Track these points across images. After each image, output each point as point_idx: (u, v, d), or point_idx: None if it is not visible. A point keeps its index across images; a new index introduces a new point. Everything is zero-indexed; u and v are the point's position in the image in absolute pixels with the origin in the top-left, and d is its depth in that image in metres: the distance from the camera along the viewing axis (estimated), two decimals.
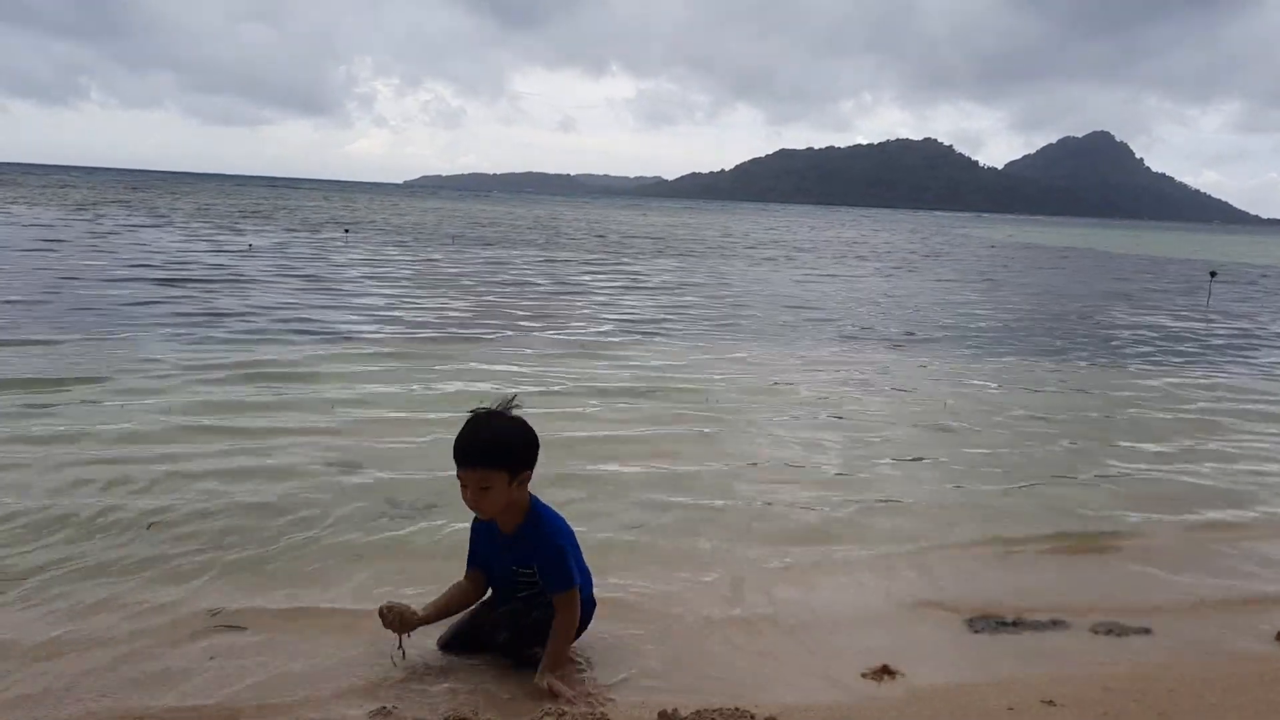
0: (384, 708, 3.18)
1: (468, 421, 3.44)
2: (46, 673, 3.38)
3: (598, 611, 3.75)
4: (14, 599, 3.99)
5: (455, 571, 3.77)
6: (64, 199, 51.24)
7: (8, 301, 12.62)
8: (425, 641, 3.64)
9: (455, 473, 3.41)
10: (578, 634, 3.60)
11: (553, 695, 3.29)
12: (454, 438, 3.41)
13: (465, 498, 3.43)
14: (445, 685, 3.40)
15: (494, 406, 3.48)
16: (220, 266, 19.18)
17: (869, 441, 7.38)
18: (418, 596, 3.75)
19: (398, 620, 3.44)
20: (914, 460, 6.89)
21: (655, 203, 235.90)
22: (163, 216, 38.74)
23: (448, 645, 3.65)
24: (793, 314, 16.13)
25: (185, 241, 25.95)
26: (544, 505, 3.58)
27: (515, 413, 3.49)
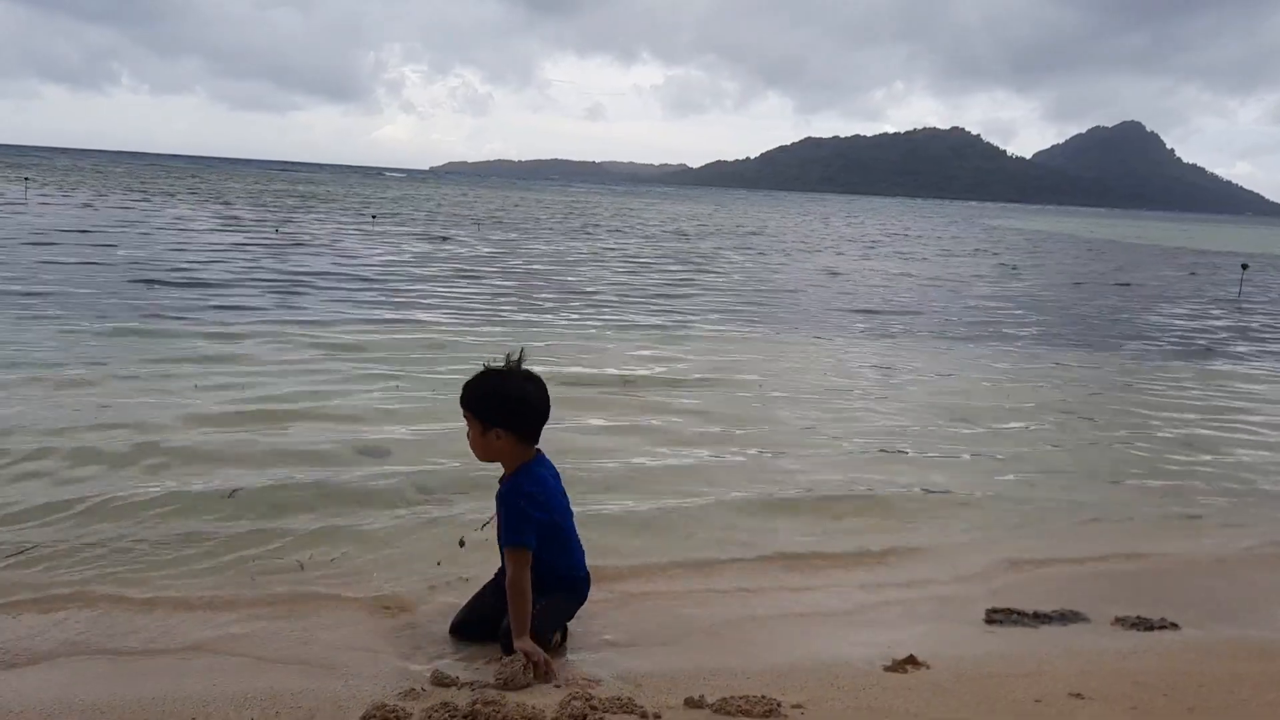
0: (413, 689, 3.20)
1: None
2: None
3: (623, 599, 3.78)
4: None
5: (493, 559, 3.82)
6: (98, 185, 51.67)
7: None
8: (439, 628, 3.71)
9: None
10: (576, 607, 3.70)
11: (528, 660, 3.32)
12: None
13: None
14: (470, 671, 3.42)
15: (512, 360, 3.60)
16: (272, 255, 19.35)
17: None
18: (451, 581, 3.80)
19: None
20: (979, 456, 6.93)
21: (691, 191, 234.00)
22: (212, 205, 38.98)
23: (458, 630, 3.69)
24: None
25: (241, 232, 26.14)
26: (536, 469, 3.60)
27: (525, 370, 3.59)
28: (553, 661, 3.41)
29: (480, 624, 3.64)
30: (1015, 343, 13.01)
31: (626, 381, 8.73)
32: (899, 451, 6.91)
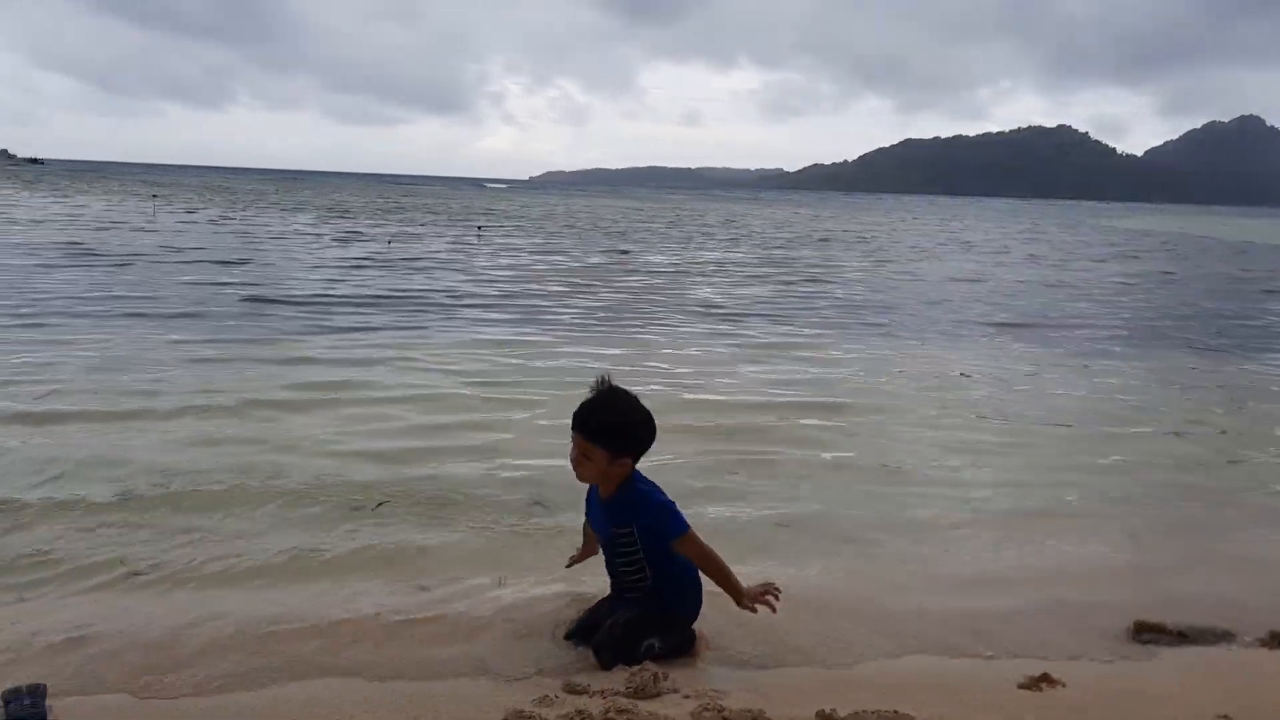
0: (546, 696, 3.27)
1: (595, 388, 3.62)
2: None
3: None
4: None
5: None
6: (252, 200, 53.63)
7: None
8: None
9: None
10: (693, 617, 3.76)
11: (761, 601, 3.60)
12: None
13: (570, 454, 3.65)
14: (601, 680, 3.46)
15: (612, 382, 3.63)
16: (387, 271, 19.79)
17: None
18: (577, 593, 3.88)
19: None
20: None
21: (791, 195, 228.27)
22: (326, 219, 40.21)
23: (574, 637, 3.77)
24: None
25: (355, 246, 26.89)
26: (644, 477, 3.70)
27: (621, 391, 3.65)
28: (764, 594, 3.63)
29: (593, 631, 3.72)
30: (1178, 354, 12.31)
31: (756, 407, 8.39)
32: (1038, 464, 6.75)
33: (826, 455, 6.83)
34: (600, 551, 3.89)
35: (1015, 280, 23.20)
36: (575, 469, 3.66)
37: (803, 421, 7.78)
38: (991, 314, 15.96)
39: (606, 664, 3.56)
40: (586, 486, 3.80)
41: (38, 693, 3.17)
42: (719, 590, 3.66)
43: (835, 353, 11.49)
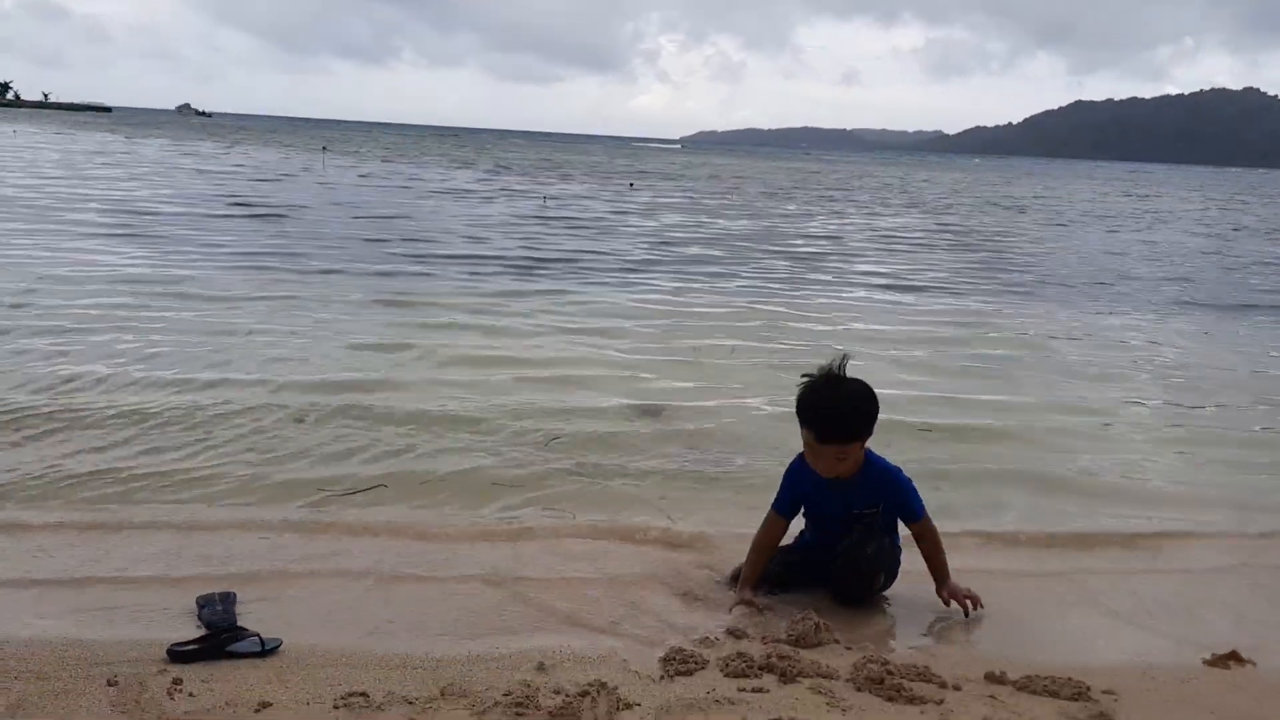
0: (708, 638, 3.29)
1: (823, 388, 3.49)
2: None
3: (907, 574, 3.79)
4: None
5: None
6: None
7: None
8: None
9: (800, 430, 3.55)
10: (889, 582, 3.71)
11: (959, 600, 3.58)
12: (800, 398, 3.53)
13: (816, 464, 3.57)
14: (760, 627, 3.46)
15: (834, 368, 3.51)
16: (545, 227, 20.25)
17: None
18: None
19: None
20: None
21: (956, 160, 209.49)
22: (486, 175, 41.14)
23: (767, 581, 3.75)
24: None
25: (511, 203, 27.59)
26: (873, 452, 3.65)
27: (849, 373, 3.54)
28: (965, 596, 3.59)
29: (777, 579, 3.74)
30: None
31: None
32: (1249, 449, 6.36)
33: (1026, 454, 6.05)
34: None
35: (1235, 257, 20.80)
36: (830, 472, 3.56)
37: (994, 416, 6.89)
38: (1223, 295, 14.46)
39: (854, 598, 3.64)
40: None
41: (229, 600, 3.41)
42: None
43: (1034, 334, 10.36)
